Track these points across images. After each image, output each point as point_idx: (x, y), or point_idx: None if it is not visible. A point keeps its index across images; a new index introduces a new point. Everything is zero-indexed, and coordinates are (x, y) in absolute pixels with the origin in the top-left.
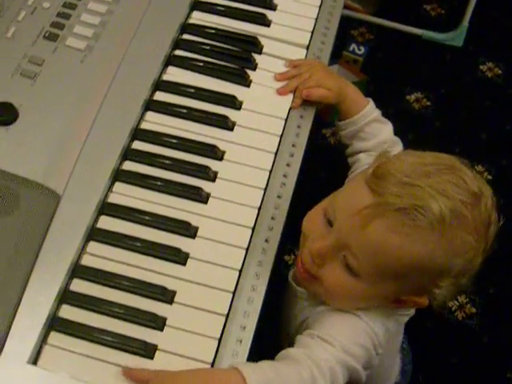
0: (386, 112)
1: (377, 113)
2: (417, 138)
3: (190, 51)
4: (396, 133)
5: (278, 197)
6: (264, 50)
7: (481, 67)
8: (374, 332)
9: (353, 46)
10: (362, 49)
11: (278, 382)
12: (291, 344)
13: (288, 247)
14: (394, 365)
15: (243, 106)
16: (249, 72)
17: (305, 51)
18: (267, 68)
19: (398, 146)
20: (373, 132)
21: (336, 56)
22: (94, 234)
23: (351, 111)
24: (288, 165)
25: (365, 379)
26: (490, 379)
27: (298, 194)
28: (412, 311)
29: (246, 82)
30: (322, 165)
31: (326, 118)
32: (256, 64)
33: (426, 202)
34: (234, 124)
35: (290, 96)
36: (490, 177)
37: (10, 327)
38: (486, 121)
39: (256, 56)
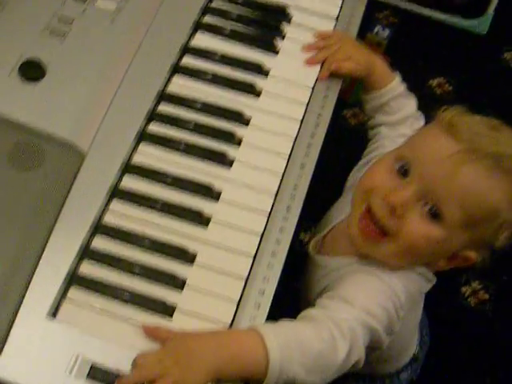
0: None
1: (403, 88)
2: None
3: (219, 18)
4: None
5: (302, 166)
6: (293, 20)
7: (504, 55)
8: (396, 295)
9: (377, 29)
10: (386, 32)
11: (296, 342)
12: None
13: (305, 225)
14: (414, 336)
15: (270, 74)
16: (277, 40)
17: (334, 23)
18: (296, 38)
19: (420, 121)
20: (397, 106)
21: (360, 38)
22: (117, 192)
23: (378, 85)
24: (313, 134)
25: (386, 344)
26: (500, 366)
27: (317, 173)
28: (435, 279)
29: (274, 50)
30: (342, 145)
31: (347, 98)
32: (285, 33)
33: (508, 150)
34: (260, 91)
35: (318, 67)
36: None
37: (30, 281)
38: (507, 109)
39: (285, 25)
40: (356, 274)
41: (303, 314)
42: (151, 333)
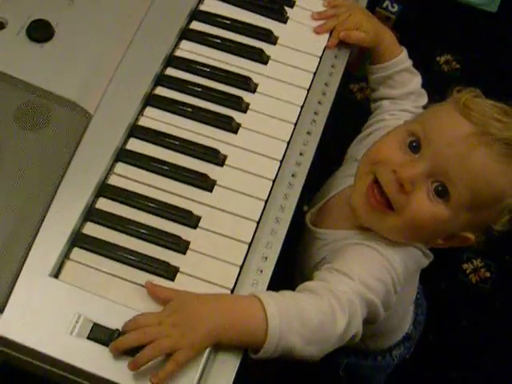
0: None
1: (409, 63)
2: (443, 99)
3: None
4: None
5: (308, 133)
6: None
7: None
8: (394, 268)
9: (386, 3)
10: (396, 6)
11: (296, 312)
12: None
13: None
14: (408, 313)
15: (279, 42)
16: (286, 9)
17: None
18: (305, 6)
19: (423, 99)
20: (402, 81)
21: (369, 11)
22: (123, 155)
23: (384, 57)
24: (320, 102)
25: (383, 318)
26: (499, 343)
27: (321, 147)
28: (431, 256)
29: (283, 17)
30: (348, 119)
31: (354, 71)
32: (294, 1)
33: None
34: (268, 58)
35: (326, 35)
36: None
37: (33, 240)
38: None
39: None
40: (354, 246)
41: (302, 286)
42: (153, 291)
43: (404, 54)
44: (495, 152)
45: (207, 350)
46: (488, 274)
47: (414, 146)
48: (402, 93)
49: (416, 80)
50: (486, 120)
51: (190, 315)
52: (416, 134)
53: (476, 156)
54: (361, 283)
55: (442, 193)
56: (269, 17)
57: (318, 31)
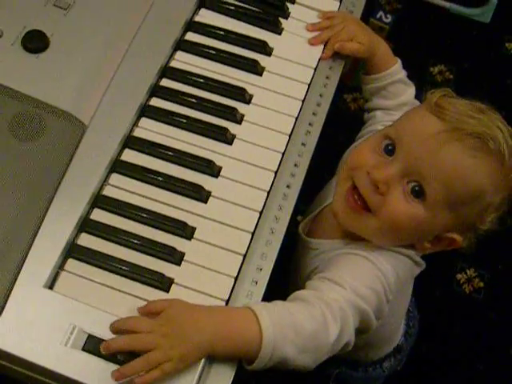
0: None
1: (403, 74)
2: None
3: None
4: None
5: (303, 144)
6: (297, 0)
7: (506, 45)
8: (386, 277)
9: (380, 14)
10: (389, 17)
11: (290, 323)
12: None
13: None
14: (400, 325)
15: (274, 53)
16: (281, 20)
17: (338, 3)
18: (300, 18)
19: None
20: (395, 92)
21: (363, 22)
22: (118, 166)
23: (379, 67)
24: (314, 113)
25: (375, 327)
26: (492, 354)
27: (316, 156)
28: (424, 264)
29: (277, 29)
30: (341, 129)
31: (348, 81)
32: (289, 13)
33: (493, 132)
34: (263, 69)
35: (321, 47)
36: None
37: (28, 251)
38: (508, 98)
39: (289, 5)
40: (346, 256)
41: (294, 295)
42: (147, 310)
43: (398, 64)
44: (467, 146)
45: (203, 360)
46: (481, 284)
47: (389, 150)
48: (395, 104)
49: (410, 91)
50: (457, 117)
51: (182, 326)
52: (390, 137)
53: (447, 151)
54: (352, 292)
55: (418, 192)
56: (264, 28)
57: (312, 42)
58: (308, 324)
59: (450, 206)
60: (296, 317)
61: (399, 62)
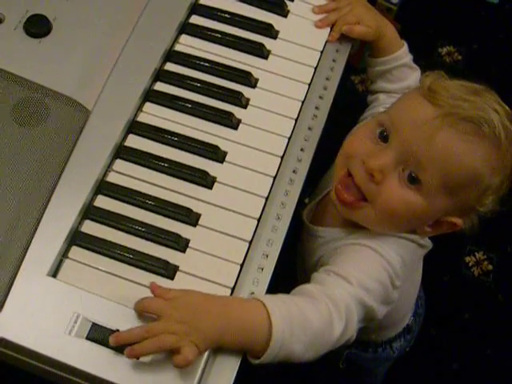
0: (416, 63)
1: (408, 58)
2: None
3: None
4: None
5: (309, 128)
6: None
7: None
8: (391, 264)
9: None
10: None
11: (299, 318)
12: (307, 281)
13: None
14: (410, 305)
15: (279, 36)
16: (287, 2)
17: None
18: (306, 0)
19: None
20: (400, 76)
21: (371, 3)
22: (122, 151)
23: (385, 51)
24: (321, 97)
25: (381, 317)
26: (501, 337)
27: (323, 140)
28: (430, 244)
29: (283, 11)
30: (349, 111)
31: (356, 63)
32: None
33: (488, 115)
34: (269, 52)
35: (327, 29)
36: None
37: (31, 239)
38: None
39: None
40: (350, 247)
41: (301, 289)
42: (160, 291)
43: (404, 48)
44: (462, 131)
45: (206, 352)
46: (490, 267)
47: (384, 136)
48: (398, 87)
49: (415, 75)
50: (451, 101)
51: (198, 314)
52: (384, 124)
53: (441, 137)
54: (359, 286)
55: (414, 179)
56: (269, 11)
57: (319, 25)
58: (315, 322)
59: (446, 191)
60: (305, 314)
61: (406, 45)
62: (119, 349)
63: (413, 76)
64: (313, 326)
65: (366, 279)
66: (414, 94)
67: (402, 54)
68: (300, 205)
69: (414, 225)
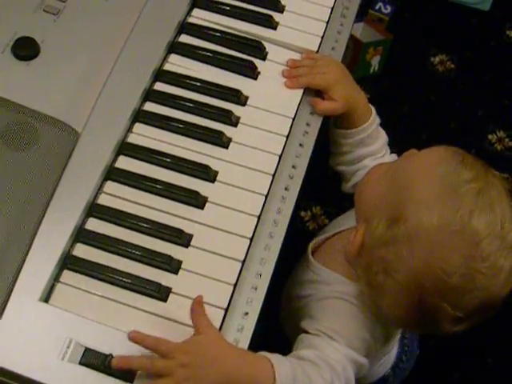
0: (409, 74)
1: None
2: (439, 100)
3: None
4: (419, 95)
5: (300, 145)
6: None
7: (507, 32)
8: (371, 321)
9: (379, 5)
10: (389, 8)
11: (303, 379)
12: (288, 310)
13: (305, 203)
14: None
15: (268, 57)
16: (275, 17)
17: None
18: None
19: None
20: (377, 135)
21: (362, 14)
22: (112, 173)
23: (360, 120)
24: (311, 113)
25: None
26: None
27: (318, 152)
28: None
29: (272, 26)
30: None
31: (350, 72)
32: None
33: None
34: (258, 74)
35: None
36: (511, 143)
37: (22, 263)
38: (509, 86)
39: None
40: (338, 302)
41: (298, 354)
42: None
43: (373, 109)
44: None
45: None
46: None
47: None
48: (377, 146)
49: (383, 130)
50: None
51: (202, 362)
52: None
53: None
54: (348, 347)
55: None
56: (259, 24)
57: (288, 85)
58: None
59: None
60: (310, 378)
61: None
62: (112, 374)
63: (382, 131)
64: None
65: (353, 338)
66: None
67: (375, 114)
68: (293, 222)
69: None
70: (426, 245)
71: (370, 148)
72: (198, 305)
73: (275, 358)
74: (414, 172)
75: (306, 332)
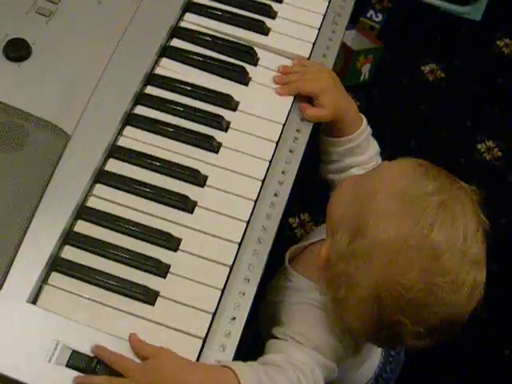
0: (400, 82)
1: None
2: (429, 108)
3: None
4: (409, 103)
5: (290, 151)
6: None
7: (497, 42)
8: (340, 328)
9: (370, 13)
10: (380, 16)
11: (268, 382)
12: (266, 314)
13: (294, 210)
14: (366, 361)
15: (259, 63)
16: (268, 22)
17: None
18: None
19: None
20: (367, 145)
21: (353, 22)
22: (102, 176)
23: (352, 128)
24: (302, 120)
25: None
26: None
27: (307, 159)
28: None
29: (264, 31)
30: None
31: (343, 79)
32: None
33: None
34: (249, 79)
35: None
36: (499, 153)
37: (11, 265)
38: (499, 96)
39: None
40: (307, 308)
41: (265, 359)
42: (136, 346)
43: (364, 118)
44: None
45: None
46: None
47: None
48: (366, 157)
49: (375, 142)
50: None
51: (162, 380)
52: None
53: None
54: (315, 351)
55: None
56: (251, 30)
57: (278, 92)
58: None
59: None
60: (274, 381)
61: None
62: None
63: (374, 141)
64: None
65: (320, 342)
66: None
67: (365, 124)
68: (285, 226)
69: None
70: (384, 258)
71: (358, 158)
72: (136, 342)
73: (237, 366)
74: (376, 184)
75: (275, 337)
